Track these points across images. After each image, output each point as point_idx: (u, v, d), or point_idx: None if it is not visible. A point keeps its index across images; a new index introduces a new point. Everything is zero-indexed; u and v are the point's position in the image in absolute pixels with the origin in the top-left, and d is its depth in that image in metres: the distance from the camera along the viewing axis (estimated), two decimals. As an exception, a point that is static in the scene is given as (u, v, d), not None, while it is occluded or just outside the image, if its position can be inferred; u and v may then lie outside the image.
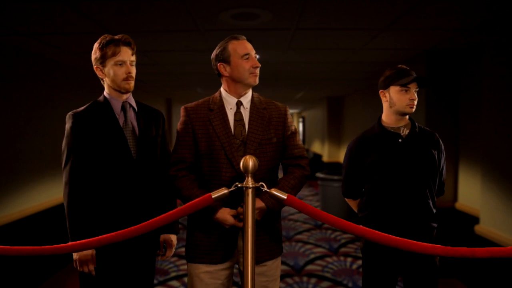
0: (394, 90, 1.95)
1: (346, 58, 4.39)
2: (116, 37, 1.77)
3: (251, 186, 1.52)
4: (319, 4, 2.60)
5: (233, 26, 3.07)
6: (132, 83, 1.81)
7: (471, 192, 3.86)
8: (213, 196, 1.55)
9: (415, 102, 1.93)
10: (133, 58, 1.81)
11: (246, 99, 1.84)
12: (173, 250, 1.99)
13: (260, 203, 1.72)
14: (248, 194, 1.52)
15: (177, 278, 3.99)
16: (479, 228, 3.47)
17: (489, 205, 3.35)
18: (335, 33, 3.31)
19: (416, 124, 2.01)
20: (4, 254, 1.66)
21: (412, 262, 1.93)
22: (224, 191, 1.55)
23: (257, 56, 1.84)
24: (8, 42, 3.40)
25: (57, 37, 3.31)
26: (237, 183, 1.55)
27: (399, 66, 1.99)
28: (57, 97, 4.26)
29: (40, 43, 3.46)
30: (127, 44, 1.78)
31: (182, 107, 1.86)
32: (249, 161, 1.52)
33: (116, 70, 1.77)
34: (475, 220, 3.64)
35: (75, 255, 1.74)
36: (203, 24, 3.02)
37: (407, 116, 2.00)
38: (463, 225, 3.87)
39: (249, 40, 1.85)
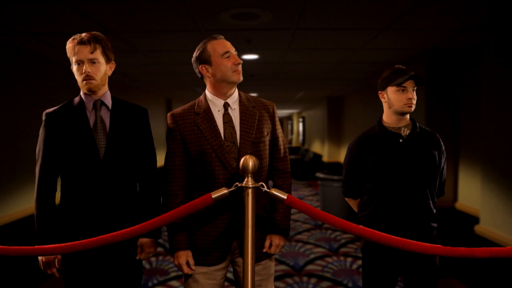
0: (391, 91, 1.95)
1: (346, 58, 4.39)
2: (82, 35, 1.73)
3: (251, 186, 1.52)
4: (319, 4, 2.60)
5: (233, 26, 3.07)
6: (93, 82, 1.73)
7: (471, 192, 3.86)
8: (213, 196, 1.55)
9: (414, 101, 1.93)
10: (94, 56, 1.71)
11: (233, 99, 1.83)
12: (149, 254, 1.87)
13: (279, 239, 1.84)
14: (248, 194, 1.52)
15: (177, 278, 3.98)
16: (479, 228, 3.47)
17: (489, 205, 3.35)
18: (335, 33, 3.31)
19: (417, 124, 2.01)
20: (4, 254, 1.66)
21: (412, 262, 1.93)
22: (224, 191, 1.56)
23: (236, 53, 1.83)
24: (8, 42, 3.40)
25: (57, 37, 3.31)
26: (237, 183, 1.56)
27: (396, 66, 1.99)
28: (57, 97, 4.25)
29: (40, 43, 3.46)
30: (83, 43, 1.71)
31: (169, 114, 1.85)
32: (249, 161, 1.52)
33: (76, 70, 1.74)
34: (475, 220, 3.64)
35: (40, 257, 1.74)
36: (203, 24, 3.01)
37: (408, 116, 2.00)
38: (463, 225, 3.87)
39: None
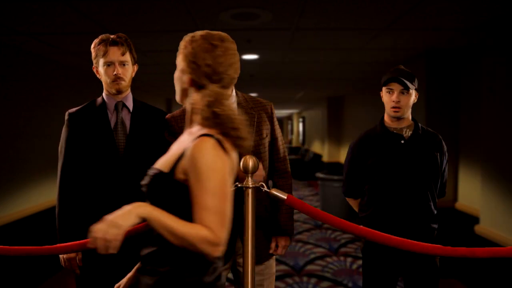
0: (383, 91, 1.96)
1: (346, 58, 4.39)
2: (111, 36, 1.75)
3: (251, 186, 1.52)
4: (319, 4, 2.60)
5: (233, 26, 3.07)
6: (123, 83, 1.76)
7: (471, 192, 3.86)
8: (213, 196, 1.55)
9: (399, 105, 1.87)
10: (124, 58, 1.75)
11: (231, 101, 1.82)
12: None
13: (284, 241, 1.89)
14: (248, 194, 1.52)
15: (177, 278, 3.98)
16: (479, 228, 3.46)
17: (489, 205, 3.35)
18: (335, 33, 3.31)
19: (419, 125, 1.99)
20: (4, 254, 1.66)
21: (413, 262, 1.92)
22: (224, 191, 1.55)
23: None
24: (8, 42, 3.40)
25: (57, 37, 3.31)
26: (237, 183, 1.55)
27: (397, 66, 1.97)
28: (57, 97, 4.25)
29: (40, 43, 3.46)
30: (115, 43, 1.73)
31: (169, 116, 1.84)
32: (249, 161, 1.52)
33: (105, 71, 1.75)
34: (475, 220, 3.64)
35: (61, 255, 1.75)
36: (203, 24, 3.01)
37: (410, 117, 1.98)
38: (463, 225, 3.87)
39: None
